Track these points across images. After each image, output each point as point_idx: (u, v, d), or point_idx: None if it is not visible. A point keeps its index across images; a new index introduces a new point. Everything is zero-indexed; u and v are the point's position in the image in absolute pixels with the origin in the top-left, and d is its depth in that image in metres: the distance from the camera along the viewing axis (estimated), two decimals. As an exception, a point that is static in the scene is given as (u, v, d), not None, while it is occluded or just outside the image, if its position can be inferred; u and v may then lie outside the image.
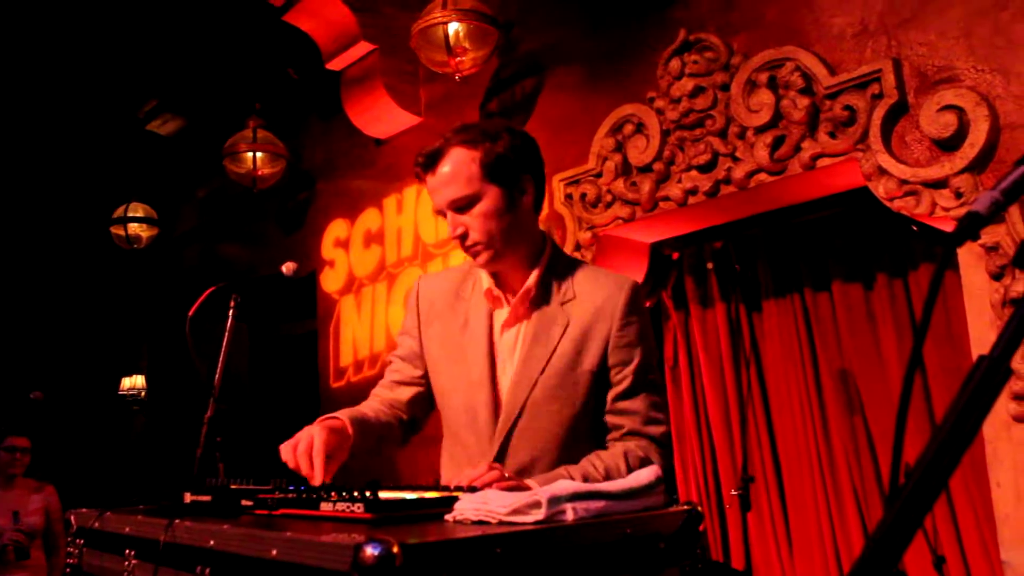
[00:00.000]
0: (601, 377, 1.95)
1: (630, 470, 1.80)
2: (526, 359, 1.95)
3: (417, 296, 2.17)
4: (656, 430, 1.94)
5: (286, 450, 1.83)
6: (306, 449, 1.80)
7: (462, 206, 1.94)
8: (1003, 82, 2.95)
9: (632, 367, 1.94)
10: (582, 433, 1.95)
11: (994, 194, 0.74)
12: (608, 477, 1.80)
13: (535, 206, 2.03)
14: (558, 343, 1.94)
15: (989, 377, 0.70)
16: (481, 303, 2.05)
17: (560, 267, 2.04)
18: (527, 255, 2.02)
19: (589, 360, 1.94)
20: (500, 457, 1.94)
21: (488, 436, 1.97)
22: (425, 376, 2.16)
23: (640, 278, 4.25)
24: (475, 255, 1.98)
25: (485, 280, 2.05)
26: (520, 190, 1.97)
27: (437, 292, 2.14)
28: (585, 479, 1.77)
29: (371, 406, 2.12)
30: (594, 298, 1.97)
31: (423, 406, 2.20)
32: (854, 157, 3.24)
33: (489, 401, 1.98)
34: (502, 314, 2.03)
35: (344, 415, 1.97)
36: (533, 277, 1.99)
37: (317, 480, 1.78)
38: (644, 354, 1.97)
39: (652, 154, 3.83)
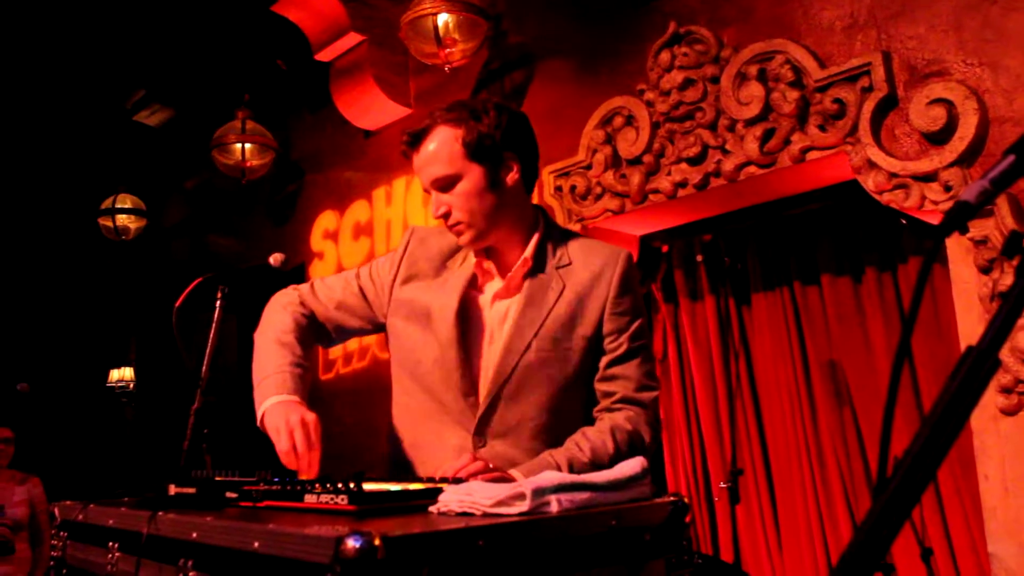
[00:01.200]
0: (596, 343, 1.95)
1: (617, 448, 1.82)
2: (519, 322, 1.94)
3: (405, 248, 2.12)
4: (648, 395, 1.95)
5: (288, 456, 1.81)
6: (304, 444, 1.81)
7: (444, 185, 1.93)
8: (992, 76, 2.95)
9: (628, 334, 1.95)
10: (572, 398, 1.95)
11: (983, 183, 0.73)
12: (595, 457, 1.79)
13: (525, 184, 2.01)
14: (553, 305, 1.94)
15: (977, 368, 0.69)
16: (466, 270, 2.03)
17: (555, 237, 2.04)
18: (518, 232, 2.01)
19: (585, 325, 1.94)
20: (486, 418, 1.92)
21: (464, 395, 1.94)
22: (369, 320, 2.13)
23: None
24: (458, 235, 1.97)
25: (474, 256, 2.04)
26: (505, 168, 1.95)
27: (425, 252, 2.09)
28: (571, 463, 1.76)
29: (297, 348, 2.05)
30: (590, 264, 1.97)
31: (353, 335, 2.21)
32: (844, 150, 3.23)
33: (460, 361, 1.94)
34: (493, 286, 2.02)
35: (299, 394, 1.95)
36: (531, 248, 1.99)
37: (315, 472, 1.79)
38: (639, 321, 1.98)
39: (642, 146, 3.82)
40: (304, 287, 2.23)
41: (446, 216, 1.95)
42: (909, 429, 3.55)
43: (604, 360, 1.96)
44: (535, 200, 4.08)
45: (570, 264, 1.98)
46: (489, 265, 2.02)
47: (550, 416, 1.92)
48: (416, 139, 1.97)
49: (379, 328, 2.16)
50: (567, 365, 1.93)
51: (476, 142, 1.91)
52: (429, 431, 2.00)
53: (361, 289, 2.14)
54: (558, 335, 1.93)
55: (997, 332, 0.70)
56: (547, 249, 2.01)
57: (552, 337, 1.92)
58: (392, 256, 2.14)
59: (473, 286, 2.02)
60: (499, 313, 1.99)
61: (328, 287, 2.19)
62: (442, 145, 1.93)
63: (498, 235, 1.99)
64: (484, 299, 2.02)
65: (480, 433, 1.92)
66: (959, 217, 0.73)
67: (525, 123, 2.05)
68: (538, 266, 1.99)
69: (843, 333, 3.85)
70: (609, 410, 1.94)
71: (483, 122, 1.92)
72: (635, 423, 1.90)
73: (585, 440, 1.84)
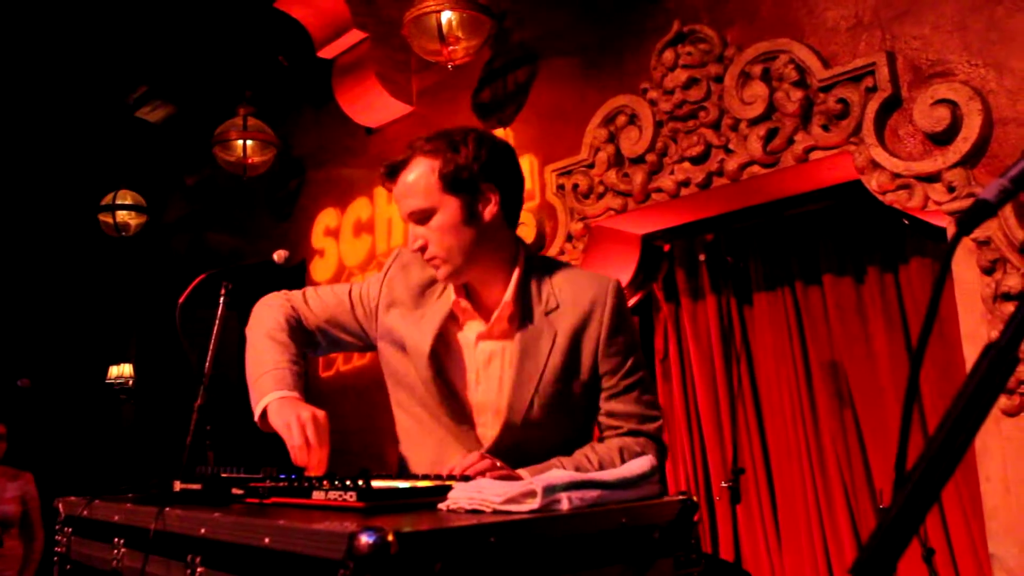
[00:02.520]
0: (594, 384, 1.95)
1: (624, 463, 1.78)
2: (518, 378, 1.91)
3: (388, 271, 2.12)
4: (652, 426, 1.94)
5: (300, 451, 1.81)
6: (316, 437, 1.81)
7: (421, 218, 1.90)
8: (996, 76, 2.95)
9: (624, 370, 1.94)
10: (578, 442, 1.95)
11: (1003, 181, 0.74)
12: (602, 468, 1.80)
13: (506, 217, 1.95)
14: (548, 357, 1.91)
15: (997, 365, 0.69)
16: (443, 307, 2.00)
17: (537, 274, 1.98)
18: (498, 268, 1.97)
19: (581, 369, 1.93)
20: (495, 446, 1.92)
21: (458, 423, 1.95)
22: (360, 335, 2.15)
23: (631, 270, 4.24)
24: (435, 268, 1.94)
25: (453, 292, 1.99)
26: (483, 201, 1.90)
27: (405, 281, 2.07)
28: (578, 470, 1.77)
29: (291, 347, 2.06)
30: (578, 304, 1.93)
31: (345, 348, 2.24)
32: (847, 150, 3.23)
33: (442, 396, 1.95)
34: (475, 326, 1.99)
35: (298, 390, 1.97)
36: (510, 293, 1.94)
37: (323, 469, 1.80)
38: (634, 356, 1.97)
39: (645, 145, 3.82)
40: (296, 294, 2.21)
41: (423, 250, 1.91)
42: (910, 431, 3.55)
43: (603, 396, 1.95)
44: (538, 199, 4.08)
45: (558, 308, 1.93)
46: (466, 304, 1.98)
47: (558, 453, 1.91)
48: (394, 171, 1.93)
49: (370, 347, 2.18)
50: (573, 412, 1.95)
51: (452, 174, 1.86)
52: (434, 441, 2.01)
53: (352, 307, 2.14)
54: (557, 386, 1.91)
55: (1017, 329, 0.70)
56: (531, 289, 1.96)
57: (552, 389, 1.91)
58: (378, 278, 2.13)
59: (452, 320, 2.00)
60: (484, 354, 1.97)
61: (320, 299, 2.17)
62: (419, 177, 1.88)
63: (476, 271, 1.95)
64: (465, 336, 1.99)
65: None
66: (978, 215, 0.73)
67: (508, 154, 1.99)
68: (525, 310, 1.95)
69: (844, 333, 3.85)
70: (617, 437, 1.95)
71: (460, 153, 1.88)
72: (643, 447, 1.91)
73: (594, 453, 1.86)
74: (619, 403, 1.94)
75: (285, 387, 1.95)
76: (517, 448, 1.88)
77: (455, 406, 1.96)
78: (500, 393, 1.94)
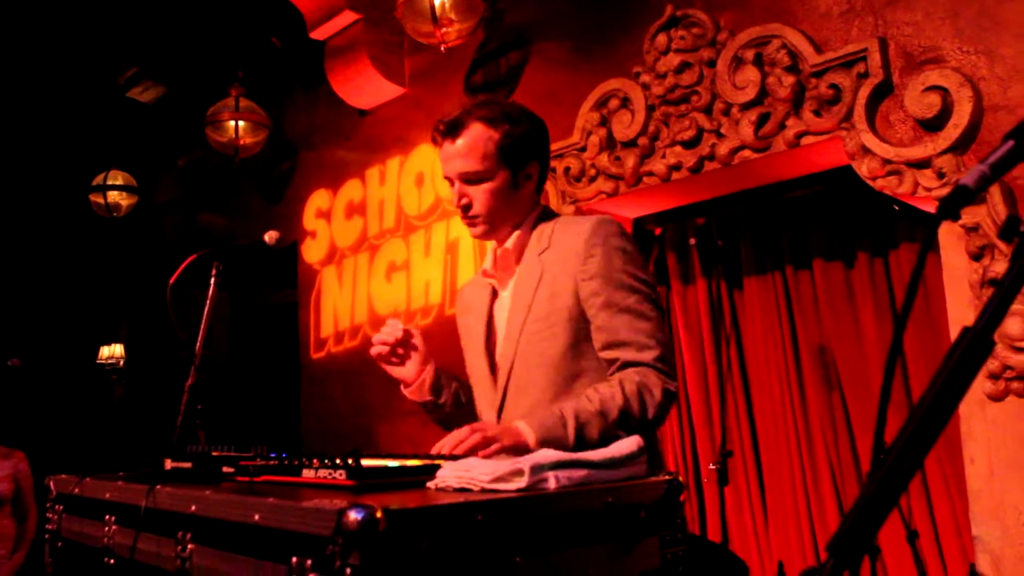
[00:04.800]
0: (580, 316, 1.96)
1: (626, 398, 1.81)
2: (511, 315, 2.05)
3: (458, 303, 2.36)
4: (651, 354, 1.89)
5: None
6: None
7: (472, 179, 2.03)
8: (987, 63, 2.97)
9: (603, 298, 1.93)
10: (576, 373, 1.97)
11: (982, 168, 0.75)
12: (603, 407, 1.80)
13: (536, 188, 2.13)
14: (535, 292, 2.01)
15: (973, 349, 0.71)
16: (485, 285, 2.19)
17: (543, 225, 2.11)
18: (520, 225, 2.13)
19: (562, 298, 1.97)
20: (503, 406, 2.03)
21: (492, 396, 2.06)
22: None
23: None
24: (472, 225, 2.09)
25: (487, 261, 2.17)
26: (526, 175, 2.07)
27: (467, 292, 2.30)
28: (577, 413, 1.78)
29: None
30: (564, 241, 2.02)
31: None
32: (838, 136, 3.25)
33: (486, 368, 2.10)
34: (498, 286, 2.16)
35: (441, 373, 2.20)
36: (510, 241, 2.10)
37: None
38: (617, 282, 1.94)
39: (637, 129, 3.82)
40: None
41: (466, 207, 2.05)
42: (897, 413, 3.58)
43: (593, 329, 1.95)
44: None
45: (548, 247, 2.04)
46: (490, 267, 2.15)
47: (556, 393, 1.96)
48: (451, 129, 2.03)
49: None
50: (556, 341, 1.96)
51: (508, 146, 2.01)
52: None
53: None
54: (543, 315, 1.98)
55: (992, 314, 0.71)
56: (532, 237, 2.10)
57: (539, 319, 1.99)
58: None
59: (493, 295, 2.18)
60: (503, 303, 2.13)
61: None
62: (476, 141, 2.01)
63: (505, 231, 2.11)
64: (496, 298, 2.18)
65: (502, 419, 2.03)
66: (958, 201, 0.74)
67: (546, 133, 2.16)
68: (523, 253, 2.11)
69: (834, 318, 3.87)
70: (617, 371, 1.93)
71: (518, 128, 2.03)
72: (642, 375, 1.87)
73: (595, 392, 1.85)
74: (607, 334, 1.93)
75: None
76: (522, 393, 2.00)
77: (490, 374, 2.10)
78: (504, 337, 2.07)
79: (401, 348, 2.11)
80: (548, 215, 2.14)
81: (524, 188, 2.08)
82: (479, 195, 2.03)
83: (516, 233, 2.10)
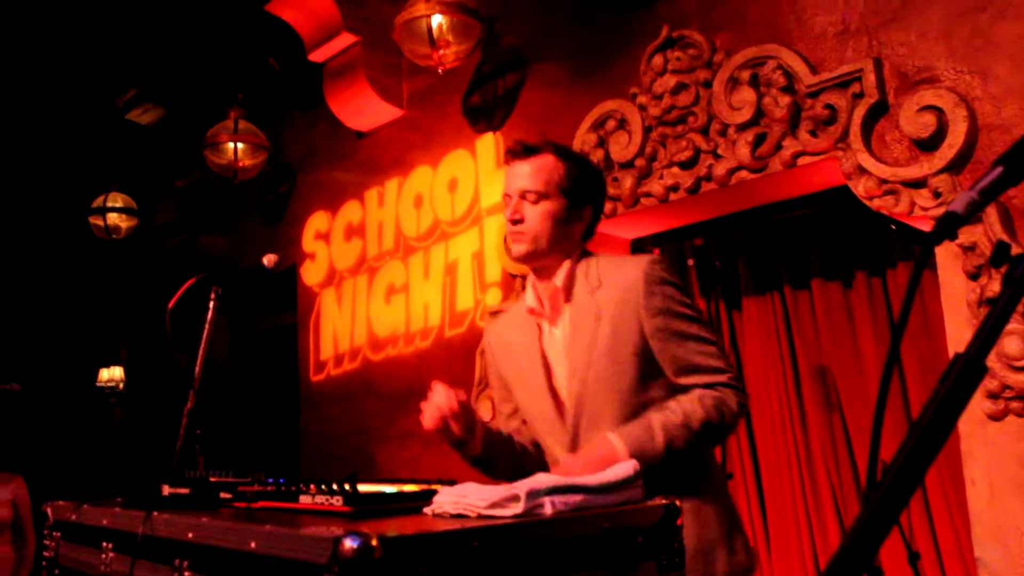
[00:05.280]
0: (646, 350, 2.07)
1: (706, 410, 1.97)
2: (573, 352, 2.12)
3: (487, 339, 2.42)
4: (724, 376, 2.05)
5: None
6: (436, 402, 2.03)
7: (532, 198, 2.14)
8: (981, 83, 2.98)
9: (671, 331, 2.06)
10: (644, 404, 2.06)
11: (972, 194, 0.75)
12: (687, 421, 1.95)
13: (585, 232, 2.24)
14: (596, 328, 2.09)
15: (965, 374, 0.71)
16: (529, 321, 2.25)
17: (586, 263, 2.20)
18: (562, 262, 2.20)
19: (628, 336, 2.06)
20: (576, 439, 2.10)
21: (562, 431, 2.12)
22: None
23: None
24: (517, 241, 2.17)
25: (529, 299, 2.23)
26: (579, 214, 2.19)
27: (502, 327, 2.36)
28: (665, 426, 1.94)
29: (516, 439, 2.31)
30: (617, 280, 2.11)
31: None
32: (834, 156, 3.26)
33: (551, 404, 2.15)
34: (547, 324, 2.22)
35: (489, 430, 2.18)
36: (559, 278, 2.17)
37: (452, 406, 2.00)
38: (679, 314, 2.08)
39: (634, 150, 3.84)
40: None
41: (517, 221, 2.15)
42: (898, 434, 3.58)
43: (665, 363, 2.07)
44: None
45: (600, 286, 2.13)
46: (535, 305, 2.21)
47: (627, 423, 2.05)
48: (527, 151, 2.18)
49: None
50: (625, 375, 2.06)
51: (572, 180, 2.16)
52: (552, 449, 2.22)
53: (491, 381, 2.44)
54: (608, 354, 2.07)
55: (984, 339, 0.71)
56: (579, 274, 2.18)
57: (604, 354, 2.07)
58: (483, 351, 2.49)
59: (539, 331, 2.24)
60: (557, 344, 2.19)
61: (498, 412, 2.45)
62: (545, 166, 2.16)
63: (546, 261, 2.18)
64: (545, 335, 2.23)
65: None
66: (948, 227, 0.74)
67: (604, 186, 2.35)
68: (573, 292, 2.18)
69: (833, 338, 3.87)
70: (695, 388, 2.07)
71: (583, 169, 2.21)
72: (720, 391, 2.03)
73: (677, 404, 1.99)
74: (681, 361, 2.06)
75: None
76: (594, 427, 2.06)
77: (555, 405, 2.16)
78: (566, 374, 2.14)
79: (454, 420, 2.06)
80: (587, 255, 2.24)
81: (574, 226, 2.18)
82: (534, 213, 2.13)
83: (564, 271, 2.17)
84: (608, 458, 1.85)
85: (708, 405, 1.98)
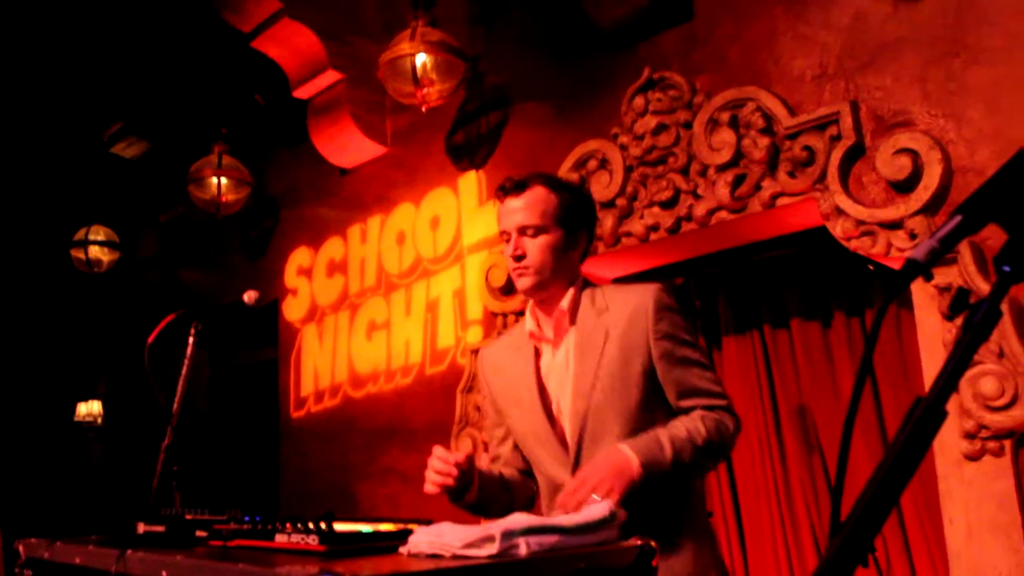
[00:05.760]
0: (652, 372, 2.13)
1: (707, 429, 2.05)
2: (579, 372, 2.16)
3: (481, 366, 2.45)
4: (722, 400, 2.15)
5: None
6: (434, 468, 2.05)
7: (530, 233, 2.19)
8: (955, 127, 3.03)
9: (677, 355, 2.13)
10: (648, 425, 2.10)
11: (932, 242, 0.77)
12: (692, 437, 2.02)
13: (581, 256, 2.31)
14: (603, 348, 2.14)
15: (926, 419, 0.72)
16: (527, 347, 2.29)
17: (590, 289, 2.27)
18: (564, 291, 2.25)
19: (636, 360, 2.13)
20: (578, 459, 2.12)
21: (562, 453, 2.15)
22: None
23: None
24: (521, 276, 2.21)
25: (529, 323, 2.28)
26: (576, 241, 2.25)
27: (496, 353, 2.42)
28: (672, 440, 2.00)
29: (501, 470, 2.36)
30: (625, 305, 2.18)
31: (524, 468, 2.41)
32: (813, 197, 3.30)
33: (547, 426, 2.18)
34: (547, 349, 2.27)
35: (482, 477, 2.17)
36: (565, 302, 2.22)
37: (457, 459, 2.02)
38: (684, 342, 2.15)
39: (615, 190, 3.87)
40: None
41: (519, 258, 2.20)
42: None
43: (667, 387, 2.14)
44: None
45: (608, 309, 2.19)
46: (535, 329, 2.26)
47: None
48: (517, 187, 2.23)
49: None
50: (631, 396, 2.12)
51: (566, 210, 2.22)
52: (544, 503, 2.27)
53: (488, 422, 2.49)
54: (615, 373, 2.12)
55: (945, 384, 0.73)
56: (583, 299, 2.24)
57: (610, 376, 2.12)
58: (478, 379, 2.52)
59: (536, 355, 2.28)
60: (559, 366, 2.23)
61: (488, 436, 2.50)
62: (537, 200, 2.21)
63: (551, 290, 2.23)
64: (544, 358, 2.27)
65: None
66: (907, 275, 0.76)
67: (595, 210, 2.45)
68: (579, 315, 2.22)
69: (812, 377, 3.89)
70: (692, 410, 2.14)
71: (574, 200, 2.26)
72: (719, 413, 2.12)
73: (680, 422, 2.08)
74: (683, 384, 2.13)
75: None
76: (597, 445, 2.10)
77: (554, 426, 2.19)
78: (570, 396, 2.17)
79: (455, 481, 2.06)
80: (589, 284, 2.30)
81: (572, 253, 2.25)
82: (534, 248, 2.18)
83: (569, 296, 2.22)
84: (622, 466, 1.93)
85: (709, 425, 2.06)
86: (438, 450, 2.06)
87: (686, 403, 2.14)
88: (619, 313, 2.17)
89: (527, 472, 2.35)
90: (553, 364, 2.24)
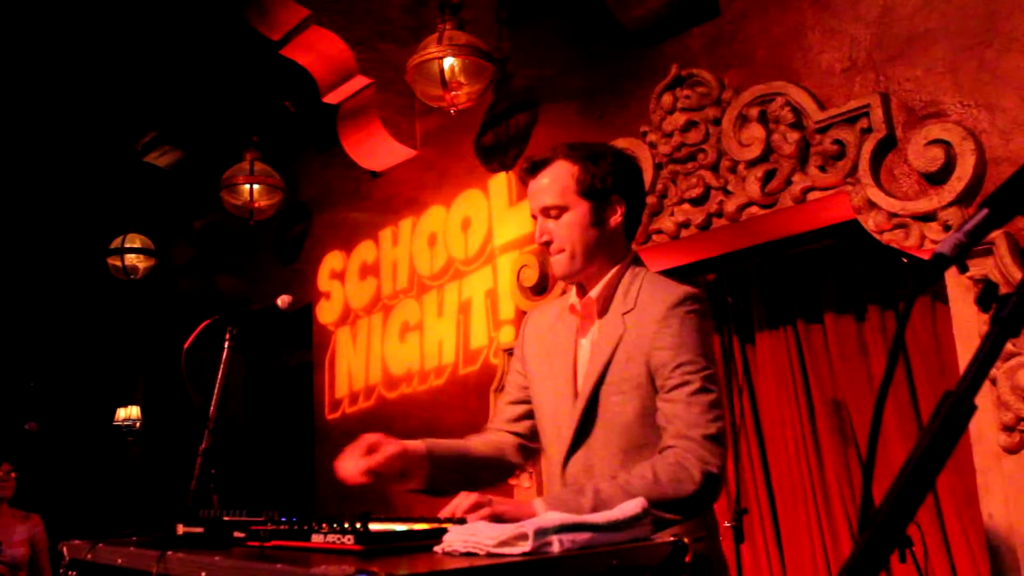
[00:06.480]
0: (649, 382, 1.98)
1: (655, 478, 1.80)
2: (588, 370, 2.05)
3: (525, 324, 2.34)
4: (697, 432, 1.87)
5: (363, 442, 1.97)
6: (379, 441, 1.95)
7: (552, 214, 2.07)
8: (988, 117, 3.00)
9: (668, 368, 1.93)
10: (643, 440, 1.97)
11: (958, 236, 0.77)
12: (627, 488, 1.78)
13: (626, 227, 2.13)
14: (613, 352, 2.01)
15: (955, 412, 0.72)
16: (570, 320, 2.16)
17: (631, 279, 2.10)
18: (608, 270, 2.10)
19: (636, 366, 1.98)
20: (567, 464, 2.04)
21: (562, 445, 2.05)
22: (527, 397, 2.28)
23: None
24: (555, 262, 2.10)
25: (572, 298, 2.15)
26: (610, 209, 2.08)
27: (542, 318, 2.28)
28: (597, 491, 1.78)
29: (481, 438, 2.25)
30: (648, 307, 2.01)
31: (521, 439, 2.30)
32: (844, 190, 3.27)
33: (571, 404, 2.07)
34: (579, 326, 2.15)
35: (428, 444, 2.07)
36: (596, 290, 2.09)
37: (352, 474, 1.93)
38: (684, 355, 1.94)
39: (645, 188, 3.86)
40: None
41: (547, 244, 2.09)
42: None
43: (657, 397, 1.97)
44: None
45: (634, 308, 2.03)
46: (576, 301, 2.13)
47: (625, 461, 1.97)
48: (536, 168, 2.11)
49: None
50: (626, 407, 1.98)
51: (588, 182, 2.05)
52: (547, 490, 2.19)
53: (508, 382, 2.36)
54: (618, 380, 1.99)
55: (974, 377, 0.73)
56: (619, 291, 2.08)
57: (612, 382, 2.00)
58: (519, 334, 2.34)
59: (576, 330, 2.15)
60: (584, 355, 2.11)
61: (503, 393, 2.42)
62: (557, 177, 2.07)
63: (589, 271, 2.10)
64: (580, 336, 2.15)
65: (566, 482, 2.03)
66: (935, 269, 0.76)
67: (637, 174, 2.18)
68: (607, 307, 2.08)
69: (847, 372, 3.86)
70: (662, 450, 1.91)
71: (599, 165, 2.07)
72: (681, 456, 1.85)
73: (625, 472, 1.86)
74: (666, 404, 1.93)
75: (427, 441, 2.08)
76: (590, 450, 2.01)
77: (574, 402, 2.07)
78: (579, 391, 2.06)
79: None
80: (635, 269, 2.12)
81: (608, 225, 2.08)
82: (559, 230, 2.06)
83: (603, 284, 2.08)
84: (524, 504, 1.76)
85: (661, 471, 1.82)
86: (362, 441, 1.95)
87: (661, 422, 1.93)
88: (640, 315, 2.01)
89: (524, 440, 2.25)
90: (581, 350, 2.12)
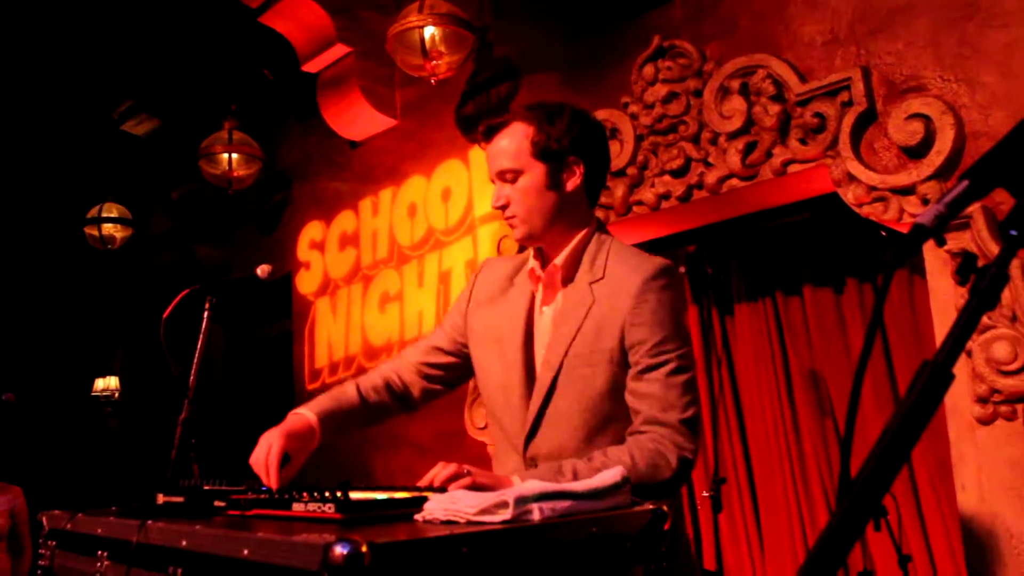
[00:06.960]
0: (622, 357, 1.90)
1: (634, 464, 1.74)
2: (553, 340, 1.96)
3: (476, 276, 2.23)
4: (673, 416, 1.82)
5: (252, 462, 1.91)
6: (263, 460, 1.88)
7: (507, 178, 2.00)
8: (968, 91, 3.01)
9: (647, 347, 1.86)
10: (610, 414, 1.91)
11: (938, 207, 0.77)
12: (603, 468, 1.71)
13: (588, 191, 2.04)
14: (582, 323, 1.93)
15: (933, 382, 0.73)
16: (526, 285, 2.08)
17: (597, 248, 2.02)
18: (570, 237, 2.03)
19: (608, 339, 1.90)
20: (531, 437, 1.95)
21: (521, 416, 1.97)
22: (458, 349, 2.20)
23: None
24: (512, 227, 2.04)
25: (532, 261, 2.08)
26: (568, 172, 1.99)
27: (494, 274, 2.17)
28: (575, 471, 1.74)
29: (372, 381, 2.21)
30: (618, 278, 1.94)
31: (453, 373, 2.24)
32: (824, 163, 3.28)
33: (522, 380, 1.99)
34: (540, 294, 2.07)
35: (315, 410, 2.05)
36: (561, 258, 2.01)
37: (274, 485, 1.85)
38: (662, 333, 1.87)
39: (626, 159, 3.86)
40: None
41: (504, 208, 2.02)
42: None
43: (629, 374, 1.89)
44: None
45: (602, 278, 1.96)
46: (536, 266, 2.06)
47: (589, 434, 1.91)
48: (492, 130, 2.04)
49: (468, 361, 2.20)
50: (595, 381, 1.90)
51: (543, 143, 1.97)
52: (498, 459, 2.09)
53: (443, 328, 2.24)
54: (585, 352, 1.91)
55: (951, 347, 0.74)
56: (585, 259, 2.01)
57: (580, 354, 1.91)
58: (467, 286, 2.24)
59: (533, 300, 2.07)
60: (545, 323, 2.02)
61: (430, 334, 2.29)
62: (512, 140, 1.99)
63: (550, 236, 2.02)
64: (537, 302, 2.07)
65: (528, 455, 1.96)
66: (915, 240, 0.77)
67: (598, 133, 2.09)
68: (573, 275, 2.01)
69: (825, 343, 3.90)
70: (636, 432, 1.86)
71: (555, 125, 1.98)
72: (659, 441, 1.81)
73: (602, 454, 1.80)
74: (641, 383, 1.86)
75: (310, 406, 2.08)
76: (554, 427, 1.93)
77: (524, 394, 1.99)
78: (542, 360, 1.98)
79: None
80: (601, 237, 2.04)
81: (566, 188, 1.99)
82: (515, 194, 1.99)
83: (567, 251, 2.00)
84: (503, 478, 1.75)
85: (639, 458, 1.77)
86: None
87: (633, 403, 1.87)
88: (610, 285, 1.93)
89: (431, 385, 2.22)
90: (542, 319, 2.02)
